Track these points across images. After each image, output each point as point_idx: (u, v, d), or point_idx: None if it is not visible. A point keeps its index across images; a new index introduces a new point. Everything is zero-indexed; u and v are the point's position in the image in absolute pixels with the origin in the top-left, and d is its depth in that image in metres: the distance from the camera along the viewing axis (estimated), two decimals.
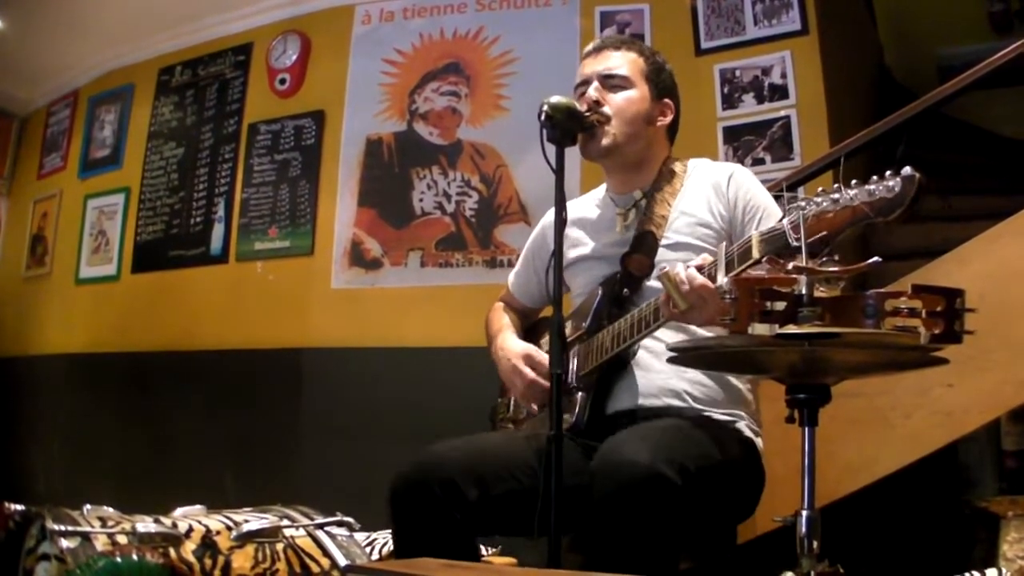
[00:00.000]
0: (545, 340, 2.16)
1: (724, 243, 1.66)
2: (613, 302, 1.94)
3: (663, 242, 1.93)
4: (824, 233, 1.41)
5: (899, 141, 2.69)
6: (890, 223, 1.35)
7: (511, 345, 2.07)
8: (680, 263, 1.67)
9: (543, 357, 1.97)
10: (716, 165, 2.06)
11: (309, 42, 4.33)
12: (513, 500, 1.74)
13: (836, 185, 1.42)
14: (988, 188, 4.07)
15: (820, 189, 1.44)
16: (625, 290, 1.95)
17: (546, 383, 1.91)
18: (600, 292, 1.97)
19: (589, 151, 1.99)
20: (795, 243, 1.44)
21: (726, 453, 1.72)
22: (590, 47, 2.07)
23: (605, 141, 1.96)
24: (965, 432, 2.43)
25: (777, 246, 1.50)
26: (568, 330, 1.97)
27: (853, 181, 1.40)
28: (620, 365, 1.90)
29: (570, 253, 2.06)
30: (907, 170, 1.34)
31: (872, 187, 1.36)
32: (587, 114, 1.90)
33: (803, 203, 1.45)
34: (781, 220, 1.50)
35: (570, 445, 1.82)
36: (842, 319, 1.38)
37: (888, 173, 1.35)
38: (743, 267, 1.57)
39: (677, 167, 2.04)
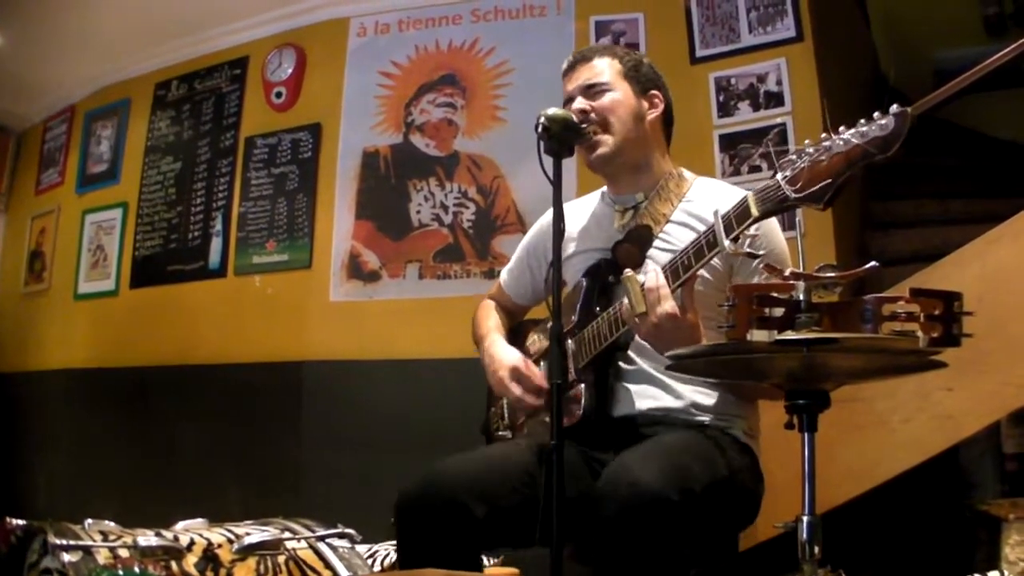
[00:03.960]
0: (530, 341, 2.17)
1: (717, 211, 1.61)
2: (600, 292, 1.93)
3: (657, 240, 1.91)
4: (827, 181, 1.41)
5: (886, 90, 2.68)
6: (889, 159, 1.36)
7: (499, 354, 2.03)
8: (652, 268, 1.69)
9: (531, 371, 1.95)
10: (731, 188, 2.00)
11: (305, 55, 4.33)
12: (520, 513, 1.73)
13: (823, 135, 1.42)
14: (985, 191, 4.08)
15: (807, 141, 1.45)
16: (611, 277, 1.92)
17: (533, 401, 1.92)
18: (585, 284, 1.96)
19: (593, 162, 1.99)
20: (794, 196, 1.45)
21: (728, 466, 1.71)
22: (565, 66, 2.05)
23: (605, 148, 1.95)
24: (965, 436, 2.44)
25: (775, 202, 1.49)
26: None
27: (841, 127, 1.41)
28: (619, 349, 1.89)
29: (565, 250, 2.02)
30: (895, 107, 1.36)
31: (864, 128, 1.38)
32: (583, 125, 1.87)
33: (794, 156, 1.46)
34: (774, 176, 1.49)
35: (570, 452, 1.82)
36: (840, 324, 1.39)
37: (877, 114, 1.37)
38: (742, 227, 1.55)
39: (686, 176, 2.02)
